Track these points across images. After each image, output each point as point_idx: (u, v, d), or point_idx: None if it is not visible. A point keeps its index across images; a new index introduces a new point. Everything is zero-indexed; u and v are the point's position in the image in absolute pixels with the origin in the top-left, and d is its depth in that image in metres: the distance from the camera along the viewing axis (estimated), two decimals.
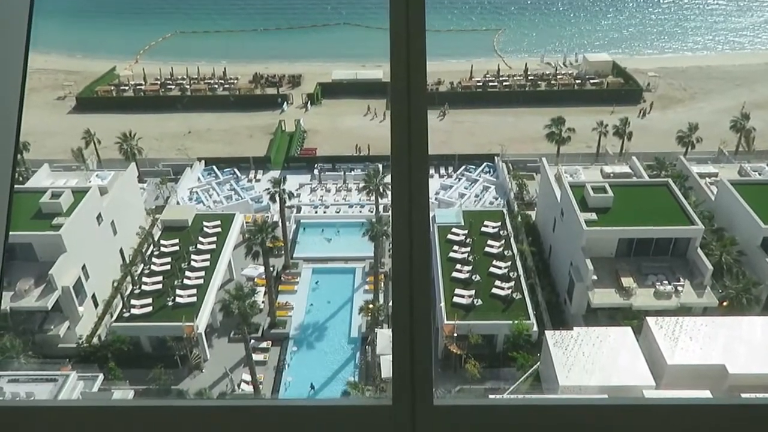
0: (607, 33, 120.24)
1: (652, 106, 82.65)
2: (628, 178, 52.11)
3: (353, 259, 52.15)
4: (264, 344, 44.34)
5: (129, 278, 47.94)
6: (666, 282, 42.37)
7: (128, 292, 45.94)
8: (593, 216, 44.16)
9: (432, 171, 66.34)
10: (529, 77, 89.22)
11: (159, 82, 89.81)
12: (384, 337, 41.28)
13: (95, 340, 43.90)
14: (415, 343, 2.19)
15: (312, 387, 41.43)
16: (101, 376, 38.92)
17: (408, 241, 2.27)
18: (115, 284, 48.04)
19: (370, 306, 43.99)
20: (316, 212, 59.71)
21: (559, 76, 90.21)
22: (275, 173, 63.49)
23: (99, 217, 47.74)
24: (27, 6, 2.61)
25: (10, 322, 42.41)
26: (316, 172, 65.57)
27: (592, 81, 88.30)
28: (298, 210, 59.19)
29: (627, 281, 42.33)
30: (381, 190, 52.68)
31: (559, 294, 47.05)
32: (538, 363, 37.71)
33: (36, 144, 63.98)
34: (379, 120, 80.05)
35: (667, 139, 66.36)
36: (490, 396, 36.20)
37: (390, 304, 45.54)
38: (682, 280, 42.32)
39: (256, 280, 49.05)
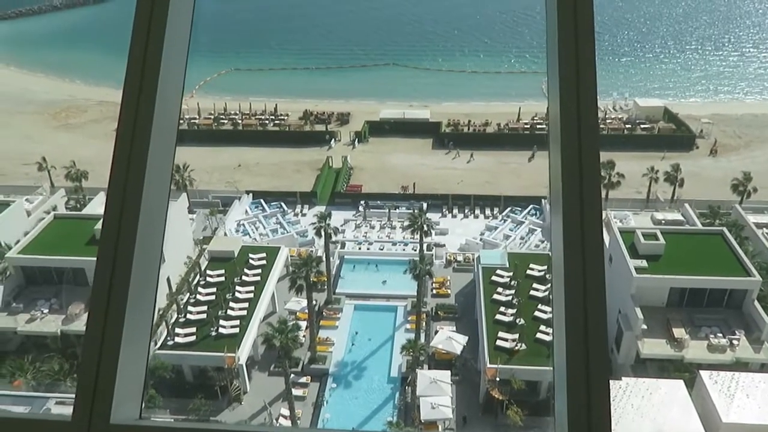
0: (665, 78, 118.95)
1: (716, 144, 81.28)
2: (680, 226, 50.78)
3: (396, 297, 51.90)
4: (303, 379, 44.17)
5: (174, 306, 48.68)
6: (720, 335, 40.70)
7: (173, 320, 46.61)
8: (643, 263, 43.01)
9: (477, 211, 66.04)
10: None
11: (212, 117, 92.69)
12: (425, 378, 40.62)
13: None
14: (591, 390, 2.22)
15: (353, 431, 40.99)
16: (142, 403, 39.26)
17: (582, 287, 2.25)
18: (161, 312, 48.78)
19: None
20: (359, 248, 59.88)
21: (608, 121, 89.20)
22: (321, 208, 64.26)
23: None
24: (186, 46, 2.72)
25: (60, 345, 43.45)
26: (361, 208, 66.06)
27: (642, 126, 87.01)
28: (342, 246, 59.50)
29: (679, 332, 40.83)
30: (425, 228, 52.64)
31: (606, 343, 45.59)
32: None
33: (94, 173, 66.52)
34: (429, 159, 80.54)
35: (720, 188, 64.68)
36: None
37: (431, 344, 45.13)
38: (737, 333, 40.58)
39: (298, 314, 49.18)
